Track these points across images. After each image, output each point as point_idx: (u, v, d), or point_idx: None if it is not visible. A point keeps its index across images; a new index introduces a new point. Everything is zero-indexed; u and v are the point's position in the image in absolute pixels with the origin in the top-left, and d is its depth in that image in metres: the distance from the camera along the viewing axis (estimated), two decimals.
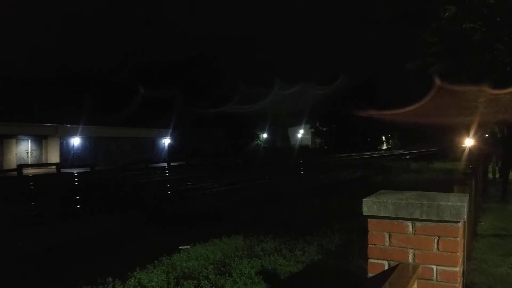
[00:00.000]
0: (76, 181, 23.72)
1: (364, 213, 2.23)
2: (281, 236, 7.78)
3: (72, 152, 34.72)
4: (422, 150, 65.27)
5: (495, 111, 9.85)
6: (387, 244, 2.21)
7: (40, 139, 34.44)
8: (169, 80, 47.13)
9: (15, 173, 26.08)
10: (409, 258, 2.18)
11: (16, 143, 32.98)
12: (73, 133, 34.97)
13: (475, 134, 20.77)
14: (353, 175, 25.91)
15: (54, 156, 33.71)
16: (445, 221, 2.10)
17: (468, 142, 23.86)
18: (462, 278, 2.48)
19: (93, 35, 72.32)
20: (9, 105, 37.21)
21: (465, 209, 2.07)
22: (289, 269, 5.91)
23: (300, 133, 73.01)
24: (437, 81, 8.99)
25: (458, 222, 2.10)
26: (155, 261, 6.40)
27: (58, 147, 33.87)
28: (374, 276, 2.23)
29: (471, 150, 23.60)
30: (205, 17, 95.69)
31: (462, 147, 25.08)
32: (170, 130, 44.14)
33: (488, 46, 8.52)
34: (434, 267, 2.14)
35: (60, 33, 68.60)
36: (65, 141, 34.55)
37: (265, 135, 62.41)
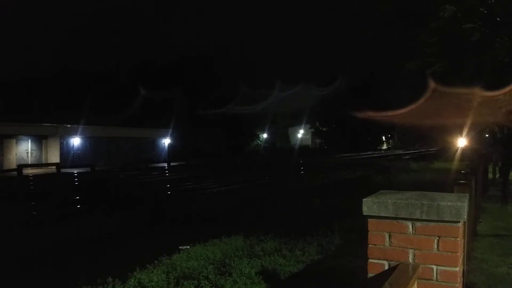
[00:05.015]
0: (76, 181, 23.72)
1: (364, 213, 2.23)
2: (281, 236, 7.77)
3: (72, 152, 34.73)
4: (422, 150, 65.26)
5: (493, 112, 9.84)
6: (387, 244, 2.22)
7: (40, 139, 34.44)
8: (170, 80, 47.16)
9: (15, 173, 26.06)
10: (409, 258, 2.18)
11: (16, 143, 32.99)
12: (73, 133, 34.97)
13: (475, 134, 20.74)
14: (353, 175, 25.87)
15: (54, 156, 33.71)
16: (445, 221, 2.10)
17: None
18: (462, 278, 2.48)
19: (93, 35, 72.36)
20: (9, 105, 37.25)
21: (465, 209, 2.07)
22: (289, 269, 5.90)
23: (300, 133, 72.99)
24: (436, 82, 8.98)
25: (458, 222, 2.10)
26: (155, 261, 6.39)
27: (58, 147, 33.88)
28: (374, 276, 2.23)
29: (471, 150, 23.54)
30: (205, 17, 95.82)
31: (461, 147, 25.06)
32: (170, 130, 44.16)
33: (488, 46, 8.51)
34: (434, 267, 2.14)
35: (60, 33, 68.63)
36: (65, 141, 34.55)
37: (265, 135, 62.41)
